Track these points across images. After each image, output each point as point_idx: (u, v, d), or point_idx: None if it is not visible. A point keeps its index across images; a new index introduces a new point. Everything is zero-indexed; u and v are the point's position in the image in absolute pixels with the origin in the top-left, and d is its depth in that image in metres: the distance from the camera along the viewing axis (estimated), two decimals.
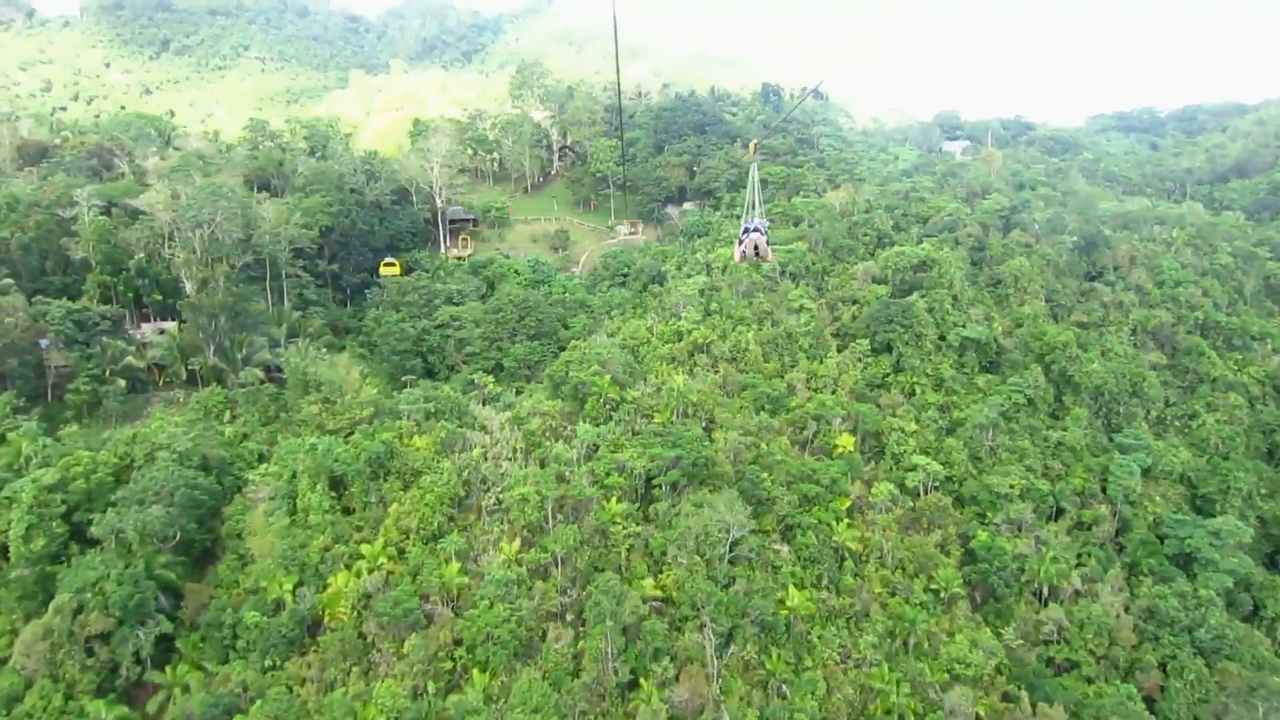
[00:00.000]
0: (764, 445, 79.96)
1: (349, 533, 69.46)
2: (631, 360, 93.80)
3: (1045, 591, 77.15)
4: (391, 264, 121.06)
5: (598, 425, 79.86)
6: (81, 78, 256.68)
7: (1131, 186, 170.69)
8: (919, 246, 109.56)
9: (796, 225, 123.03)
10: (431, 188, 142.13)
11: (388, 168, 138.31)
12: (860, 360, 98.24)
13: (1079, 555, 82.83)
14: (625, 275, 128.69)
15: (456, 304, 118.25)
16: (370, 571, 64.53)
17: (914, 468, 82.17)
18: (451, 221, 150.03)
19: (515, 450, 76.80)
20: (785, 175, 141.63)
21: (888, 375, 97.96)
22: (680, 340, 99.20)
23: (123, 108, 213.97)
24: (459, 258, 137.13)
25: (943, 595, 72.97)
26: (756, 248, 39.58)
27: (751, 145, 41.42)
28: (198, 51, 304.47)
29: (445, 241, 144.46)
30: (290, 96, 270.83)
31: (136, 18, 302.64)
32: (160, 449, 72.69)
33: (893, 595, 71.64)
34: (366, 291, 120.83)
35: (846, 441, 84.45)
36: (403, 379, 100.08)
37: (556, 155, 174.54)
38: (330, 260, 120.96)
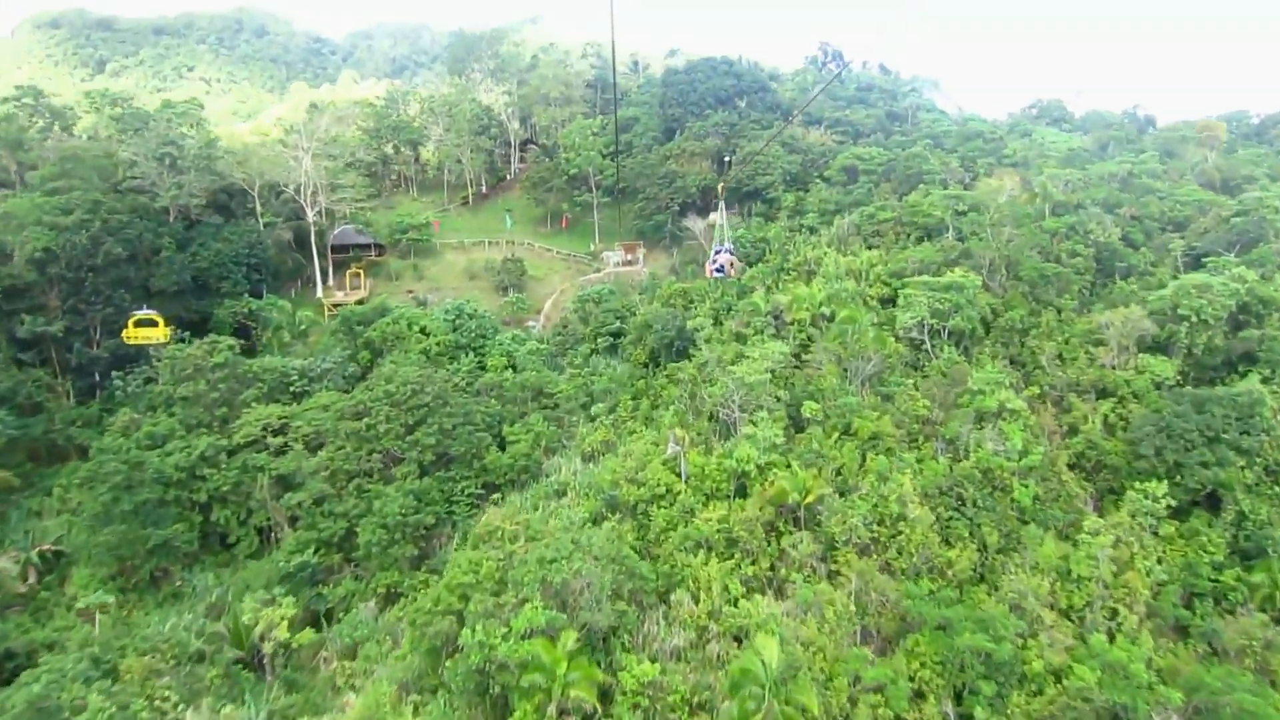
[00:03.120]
0: None
1: None
2: (632, 558, 39.22)
3: None
4: (149, 322, 65.68)
5: None
6: None
7: None
8: (1228, 275, 55.16)
9: (930, 238, 68.97)
10: (300, 194, 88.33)
11: (223, 161, 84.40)
12: (1153, 533, 43.96)
13: None
14: (618, 335, 74.45)
15: (297, 395, 64.01)
16: None
17: None
18: (337, 248, 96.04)
19: None
20: (885, 160, 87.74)
21: (1227, 564, 43.64)
22: (742, 493, 45.15)
23: None
24: (338, 306, 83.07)
25: None
26: (722, 267, 49.84)
27: (720, 187, 50.28)
28: (136, 72, 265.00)
29: (321, 279, 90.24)
30: (238, 119, 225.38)
31: (73, 37, 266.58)
32: None
33: None
34: (125, 371, 66.11)
35: None
36: (149, 570, 45.97)
37: (515, 151, 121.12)
38: (64, 311, 66.35)
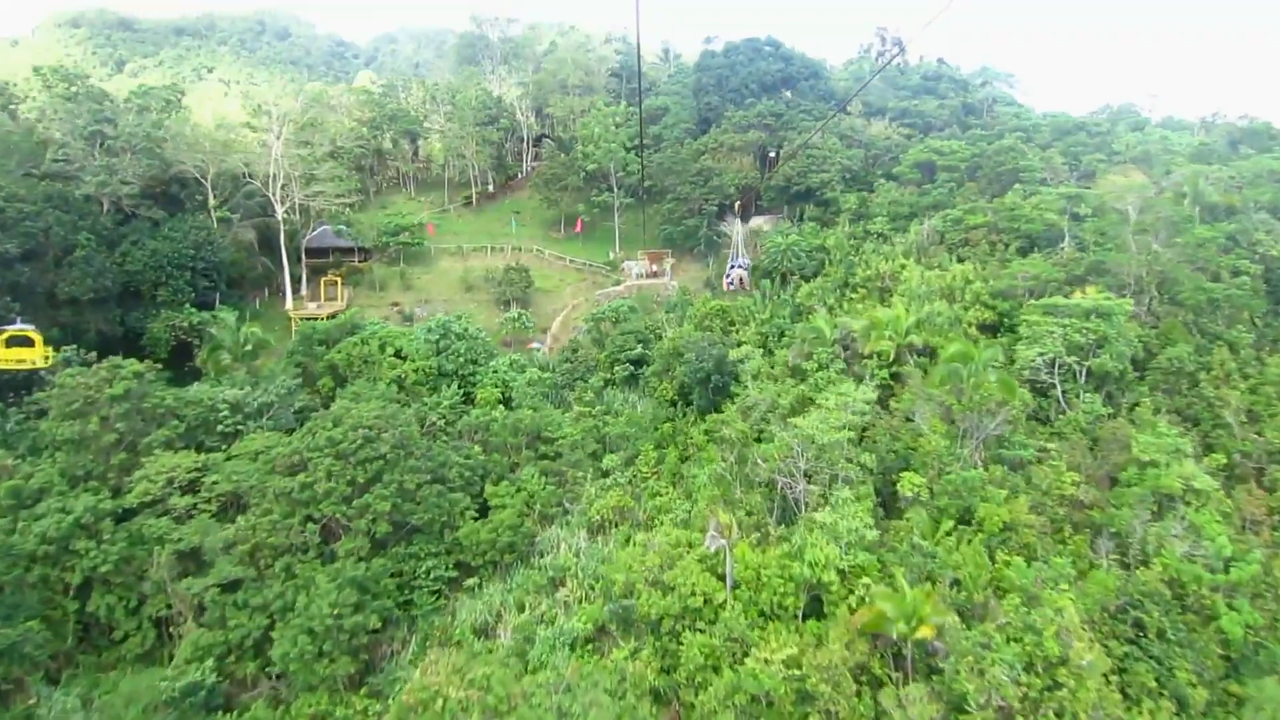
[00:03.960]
0: None
1: None
2: None
3: None
4: (23, 340, 51.63)
5: None
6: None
7: None
8: None
9: (1036, 248, 54.43)
10: (269, 186, 75.44)
11: (173, 144, 71.54)
12: None
13: None
14: (639, 363, 60.33)
15: (227, 436, 50.73)
16: None
17: None
18: (315, 252, 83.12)
19: None
20: (970, 155, 73.00)
21: None
22: (817, 612, 30.97)
23: None
24: (309, 320, 69.88)
25: None
26: (741, 280, 55.12)
27: (737, 205, 59.64)
28: (155, 73, 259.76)
29: (292, 287, 77.13)
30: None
31: (92, 36, 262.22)
32: None
33: None
34: (7, 402, 52.70)
35: None
36: None
37: (528, 147, 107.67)
38: None
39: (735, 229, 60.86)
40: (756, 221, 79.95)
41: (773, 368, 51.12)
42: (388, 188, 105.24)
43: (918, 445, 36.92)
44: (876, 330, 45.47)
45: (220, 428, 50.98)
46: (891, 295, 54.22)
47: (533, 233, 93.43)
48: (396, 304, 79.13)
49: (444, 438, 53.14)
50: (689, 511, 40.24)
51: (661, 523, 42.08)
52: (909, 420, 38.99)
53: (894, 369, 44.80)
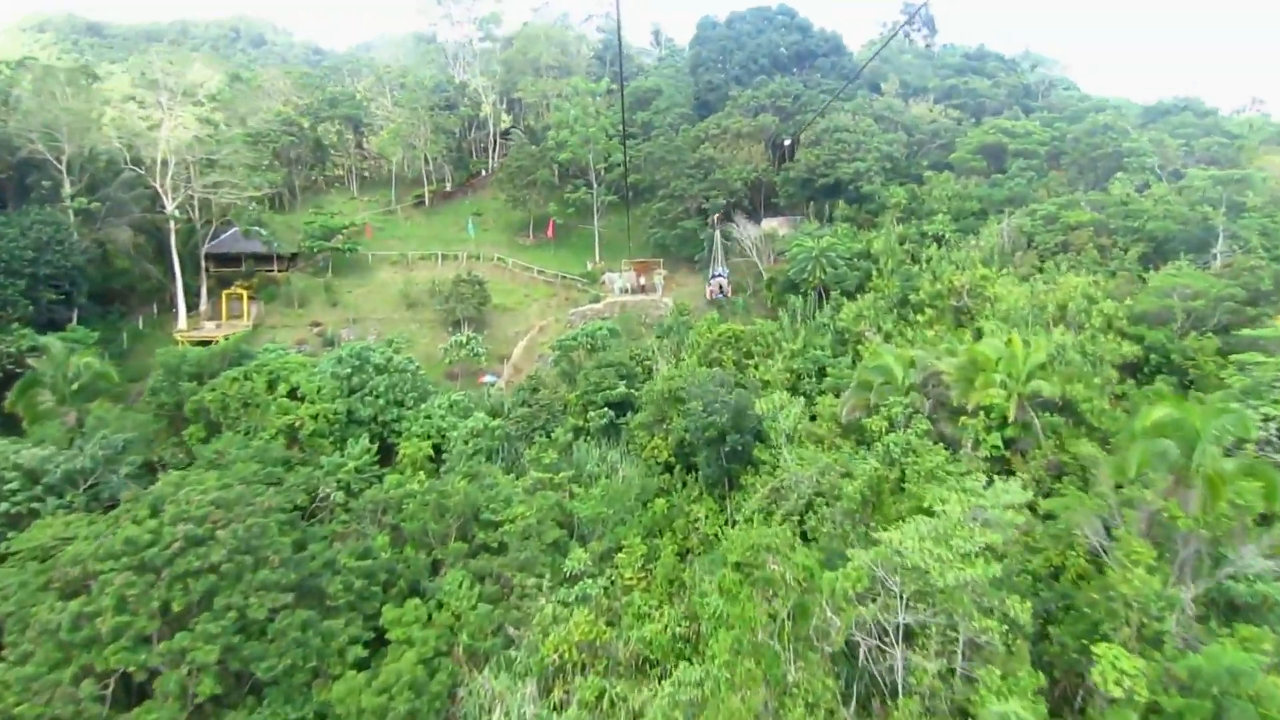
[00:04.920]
0: None
1: None
2: None
3: None
4: None
5: None
6: None
7: None
8: None
9: (1163, 254, 39.40)
10: (157, 175, 59.95)
11: (19, 118, 55.92)
12: None
13: None
14: (623, 406, 44.78)
15: (13, 519, 34.43)
16: None
17: None
18: (223, 259, 68.00)
19: None
20: (1050, 139, 58.09)
21: None
22: None
23: None
24: (203, 342, 54.30)
25: None
26: (721, 288, 53.61)
27: (713, 217, 58.69)
28: (122, 79, 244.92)
29: (186, 301, 61.51)
30: None
31: (59, 41, 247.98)
32: None
33: None
34: None
35: None
36: None
37: (494, 143, 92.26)
38: None
39: (715, 238, 57.37)
40: (770, 224, 64.66)
41: (813, 419, 35.73)
42: (330, 187, 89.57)
43: (1105, 585, 21.35)
44: (981, 373, 30.02)
45: (9, 506, 34.99)
46: (972, 318, 38.97)
47: (495, 238, 77.95)
48: (317, 324, 63.46)
49: (343, 518, 37.48)
50: (701, 670, 24.53)
51: (653, 673, 26.88)
52: (1072, 535, 23.45)
53: (1009, 433, 29.38)
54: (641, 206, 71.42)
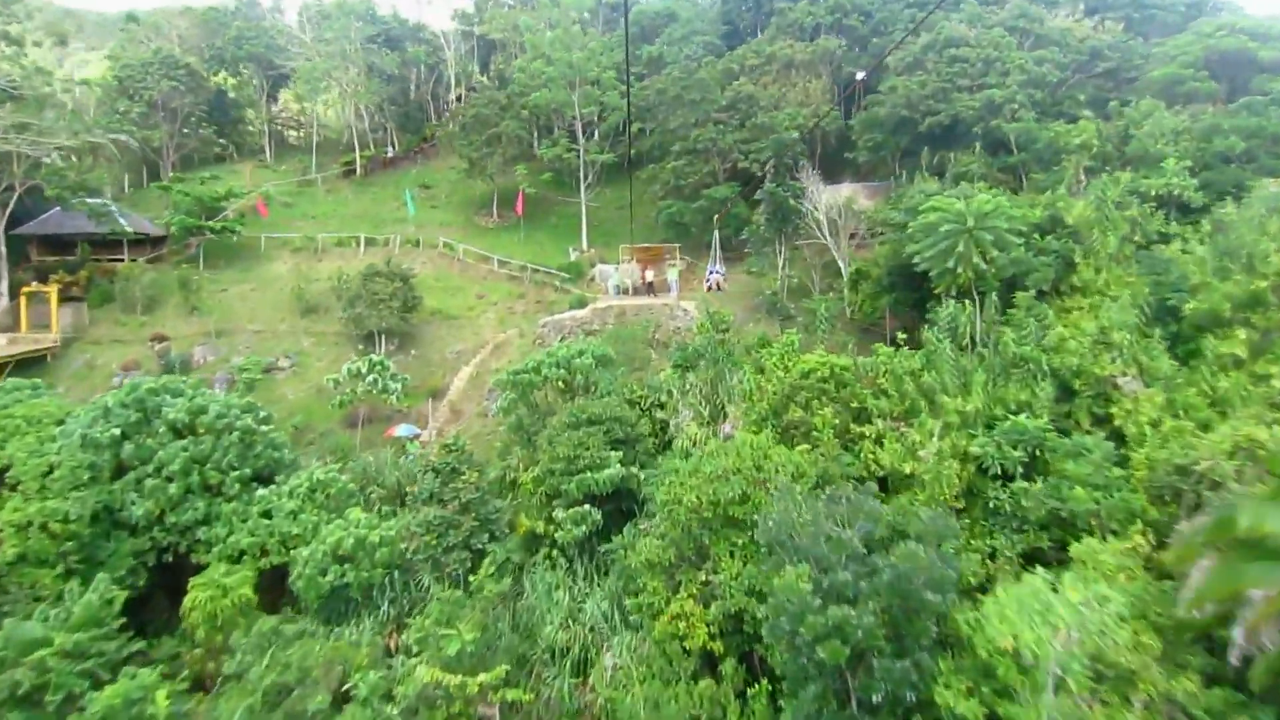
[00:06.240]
0: None
1: None
2: None
3: None
4: None
5: None
6: None
7: None
8: None
9: None
10: None
11: None
12: None
13: None
14: (617, 499, 23.61)
15: None
16: None
17: None
18: (48, 243, 47.20)
19: None
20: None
21: None
22: None
23: None
24: None
25: None
26: (719, 284, 43.21)
27: (716, 217, 43.86)
28: (97, 66, 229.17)
29: None
30: None
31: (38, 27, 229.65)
32: None
33: None
34: None
35: None
36: None
37: (452, 92, 71.18)
38: None
39: (715, 239, 43.55)
40: (843, 191, 43.51)
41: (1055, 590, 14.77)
42: (243, 155, 68.45)
43: None
44: None
45: None
46: None
47: (448, 218, 56.94)
48: (162, 338, 42.68)
49: None
50: None
51: None
52: None
53: None
54: (648, 169, 50.52)
